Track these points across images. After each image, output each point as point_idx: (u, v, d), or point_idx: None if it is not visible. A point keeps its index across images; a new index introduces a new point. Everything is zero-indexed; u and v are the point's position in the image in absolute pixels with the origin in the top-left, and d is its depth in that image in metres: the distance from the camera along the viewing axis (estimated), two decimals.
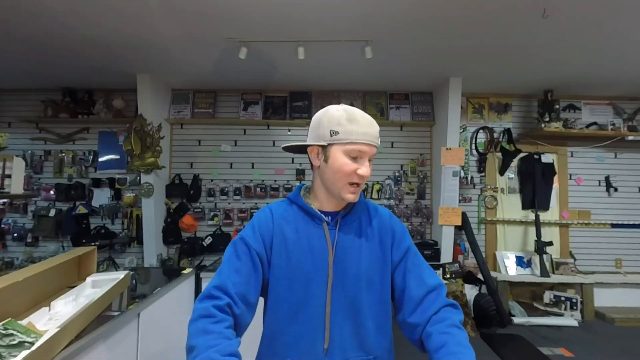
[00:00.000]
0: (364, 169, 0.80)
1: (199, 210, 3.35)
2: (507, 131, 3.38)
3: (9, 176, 1.89)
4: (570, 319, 2.95)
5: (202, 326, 0.71)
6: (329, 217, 0.86)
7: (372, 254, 0.85)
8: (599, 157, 3.46)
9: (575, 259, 3.34)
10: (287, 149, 0.92)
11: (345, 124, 0.82)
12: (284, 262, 0.83)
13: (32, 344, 0.92)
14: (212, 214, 3.34)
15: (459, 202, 3.23)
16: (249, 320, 0.84)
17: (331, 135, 0.81)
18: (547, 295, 3.10)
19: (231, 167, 3.43)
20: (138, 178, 3.22)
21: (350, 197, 0.82)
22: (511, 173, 3.46)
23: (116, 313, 1.38)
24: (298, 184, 3.34)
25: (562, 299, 3.05)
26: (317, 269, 0.82)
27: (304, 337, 0.82)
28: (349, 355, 0.83)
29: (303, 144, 0.86)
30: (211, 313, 0.73)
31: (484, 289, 2.95)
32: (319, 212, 0.86)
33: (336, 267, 0.82)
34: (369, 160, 0.83)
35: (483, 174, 3.45)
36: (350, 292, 0.83)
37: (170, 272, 2.34)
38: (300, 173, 3.40)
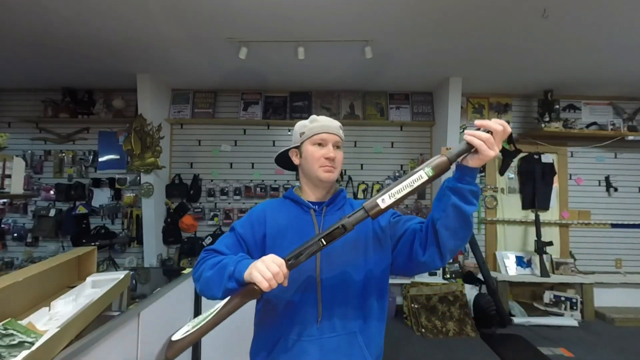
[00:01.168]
0: (329, 152, 0.98)
1: (199, 210, 3.35)
2: None
3: (9, 176, 1.89)
4: (570, 319, 2.95)
5: (210, 262, 0.90)
6: (316, 206, 1.03)
7: (354, 237, 0.97)
8: (599, 157, 3.46)
9: (575, 259, 3.34)
10: (277, 161, 1.13)
11: (308, 124, 1.03)
12: (278, 244, 0.96)
13: (32, 344, 0.92)
14: (212, 214, 3.34)
15: None
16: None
17: (300, 137, 1.03)
18: (547, 295, 3.11)
19: (231, 167, 3.43)
20: (138, 178, 3.22)
21: (324, 175, 0.99)
22: (511, 173, 3.46)
23: (116, 313, 1.38)
24: (298, 184, 3.36)
25: (562, 299, 3.05)
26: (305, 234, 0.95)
27: (298, 308, 0.93)
28: (337, 327, 0.93)
29: (283, 149, 1.08)
30: (211, 255, 0.93)
31: (484, 289, 2.95)
32: (307, 201, 1.03)
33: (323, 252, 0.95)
34: (337, 147, 1.01)
35: (483, 174, 3.45)
36: (337, 269, 0.96)
37: (170, 272, 2.35)
38: None
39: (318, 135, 1.00)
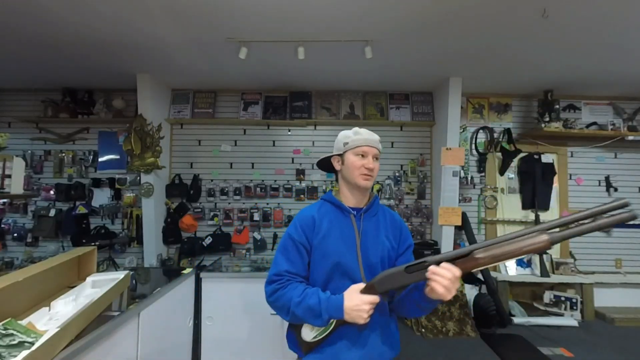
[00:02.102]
0: (369, 163, 1.18)
1: (199, 210, 3.35)
2: (507, 131, 3.38)
3: (9, 176, 1.89)
4: (570, 319, 2.95)
5: (282, 291, 1.10)
6: (355, 211, 1.20)
7: (385, 240, 1.19)
8: (599, 157, 3.47)
9: (575, 259, 3.34)
10: (319, 164, 1.33)
11: (351, 136, 1.21)
12: (323, 244, 1.15)
13: (32, 344, 0.92)
14: (212, 214, 3.34)
15: (459, 202, 3.23)
16: None
17: (344, 146, 1.21)
18: (547, 295, 3.11)
19: (231, 167, 3.43)
20: (138, 178, 3.22)
21: (363, 183, 1.17)
22: (511, 173, 3.46)
23: (116, 313, 1.38)
24: (298, 184, 3.37)
25: (562, 299, 3.05)
26: (348, 247, 1.15)
27: (344, 276, 1.14)
28: (377, 311, 1.11)
29: (328, 155, 1.27)
30: (280, 285, 1.12)
31: (484, 289, 2.95)
32: (347, 207, 1.20)
33: (363, 246, 1.16)
34: (375, 159, 1.21)
35: (483, 174, 3.45)
36: (371, 264, 1.15)
37: (170, 272, 2.35)
38: (300, 173, 3.40)
39: (361, 147, 1.18)
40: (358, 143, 1.18)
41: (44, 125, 3.38)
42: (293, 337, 1.17)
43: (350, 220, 1.18)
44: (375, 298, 1.01)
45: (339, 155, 1.23)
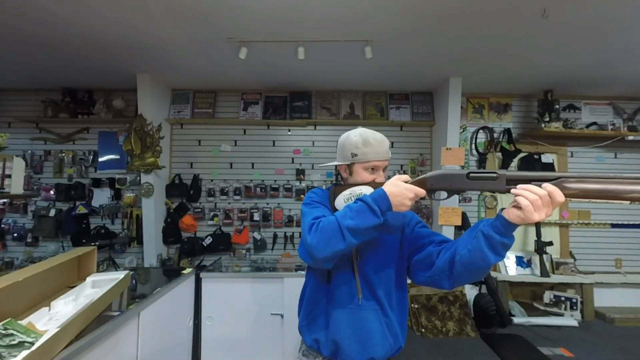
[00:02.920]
0: (380, 177, 1.15)
1: (199, 210, 3.35)
2: (507, 131, 3.38)
3: (9, 176, 1.89)
4: (570, 319, 2.95)
5: (323, 221, 0.98)
6: None
7: (393, 232, 1.18)
8: (599, 157, 3.46)
9: (575, 259, 3.34)
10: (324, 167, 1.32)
11: (361, 147, 1.13)
12: None
13: (32, 344, 0.92)
14: (212, 214, 3.34)
15: (459, 202, 3.23)
16: None
17: (352, 157, 1.14)
18: (547, 295, 3.11)
19: (231, 167, 3.43)
20: (138, 178, 3.22)
21: None
22: None
23: (116, 313, 1.38)
24: (298, 184, 3.37)
25: (562, 299, 3.05)
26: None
27: (342, 288, 1.14)
28: (371, 302, 1.13)
29: (334, 164, 1.24)
30: (321, 218, 1.02)
31: (484, 289, 2.95)
32: None
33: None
34: (384, 170, 1.17)
35: None
36: (373, 262, 1.14)
37: (170, 272, 2.35)
38: (300, 173, 3.40)
39: (371, 163, 1.13)
40: (369, 157, 1.12)
41: (44, 125, 3.38)
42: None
43: None
44: (421, 191, 0.94)
45: (347, 164, 1.19)
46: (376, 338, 1.10)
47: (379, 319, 1.12)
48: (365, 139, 1.12)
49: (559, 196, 0.74)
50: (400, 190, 0.93)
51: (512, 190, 0.78)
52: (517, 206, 0.78)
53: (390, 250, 1.17)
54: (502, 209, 0.83)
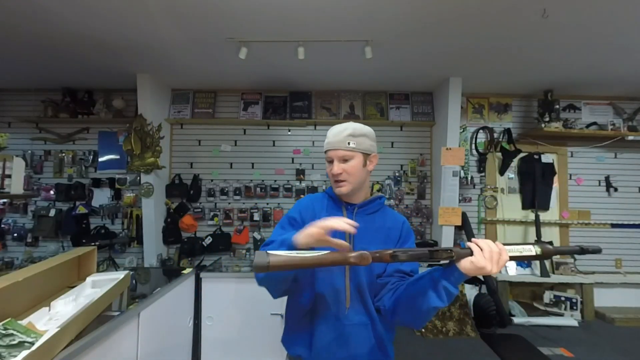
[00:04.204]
0: (335, 168, 1.07)
1: (199, 210, 3.35)
2: (507, 131, 3.38)
3: (9, 176, 1.89)
4: (570, 319, 2.95)
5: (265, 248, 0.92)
6: (349, 206, 1.12)
7: (380, 241, 1.07)
8: (599, 157, 3.46)
9: (575, 259, 3.34)
10: None
11: (325, 140, 1.11)
12: None
13: (32, 344, 0.92)
14: (212, 214, 3.34)
15: (459, 202, 3.23)
16: None
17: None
18: (547, 295, 3.11)
19: (231, 167, 3.43)
20: (138, 178, 3.22)
21: (336, 190, 1.09)
22: (511, 173, 3.46)
23: (116, 313, 1.38)
24: (298, 184, 3.37)
25: (562, 299, 3.05)
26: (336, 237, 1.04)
27: (328, 295, 1.03)
28: (360, 316, 1.04)
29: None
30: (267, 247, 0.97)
31: (484, 289, 2.95)
32: (339, 200, 1.12)
33: (356, 242, 1.06)
34: (345, 161, 1.06)
35: (483, 174, 3.45)
36: (358, 271, 1.04)
37: (170, 272, 2.35)
38: (300, 173, 3.40)
39: (326, 153, 1.09)
40: (324, 148, 1.10)
41: (44, 125, 3.38)
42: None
43: (342, 213, 1.10)
44: (337, 241, 0.85)
45: None
46: (364, 358, 1.02)
47: (368, 335, 1.03)
48: (328, 132, 1.10)
49: (505, 258, 0.80)
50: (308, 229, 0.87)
51: (468, 244, 0.83)
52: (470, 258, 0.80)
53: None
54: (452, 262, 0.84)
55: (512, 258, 0.81)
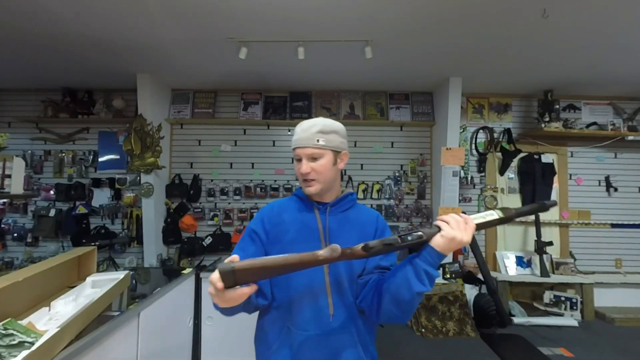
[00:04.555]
0: (302, 167, 0.98)
1: (199, 210, 3.35)
2: (507, 131, 3.38)
3: (9, 176, 1.89)
4: (570, 319, 2.95)
5: None
6: (321, 205, 1.04)
7: (356, 237, 0.98)
8: (599, 157, 3.46)
9: (575, 259, 3.34)
10: None
11: (293, 136, 1.03)
12: (280, 238, 1.00)
13: (32, 344, 0.92)
14: (212, 214, 3.34)
15: (459, 202, 3.23)
16: None
17: None
18: (547, 295, 3.10)
19: (231, 167, 3.43)
20: (138, 178, 3.22)
21: (305, 190, 1.02)
22: (511, 173, 3.46)
23: (116, 313, 1.38)
24: (298, 183, 3.36)
25: (562, 299, 3.05)
26: (310, 242, 0.97)
27: (308, 302, 0.94)
28: (345, 324, 0.95)
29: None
30: None
31: (484, 289, 2.95)
32: (310, 200, 1.04)
33: (329, 242, 0.97)
34: (314, 159, 0.98)
35: (483, 174, 3.45)
36: (338, 267, 0.96)
37: (170, 272, 2.35)
38: None
39: (294, 150, 1.01)
40: (292, 146, 1.01)
41: (44, 125, 3.38)
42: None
43: (314, 214, 1.02)
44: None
45: None
46: None
47: (354, 343, 0.94)
48: (296, 128, 1.02)
49: (472, 225, 0.81)
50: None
51: (435, 223, 0.82)
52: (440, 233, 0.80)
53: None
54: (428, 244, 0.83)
55: (478, 225, 0.83)
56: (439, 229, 0.80)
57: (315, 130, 0.97)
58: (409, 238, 0.79)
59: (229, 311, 0.85)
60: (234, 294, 0.71)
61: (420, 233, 0.79)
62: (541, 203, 0.89)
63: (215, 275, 0.70)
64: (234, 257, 0.74)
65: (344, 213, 1.05)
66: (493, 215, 0.85)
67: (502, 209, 0.86)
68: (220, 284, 0.70)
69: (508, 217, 0.85)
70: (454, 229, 0.78)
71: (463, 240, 0.78)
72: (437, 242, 0.78)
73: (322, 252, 0.74)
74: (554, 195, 3.42)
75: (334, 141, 1.00)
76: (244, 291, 0.72)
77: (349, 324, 0.94)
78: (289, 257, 0.73)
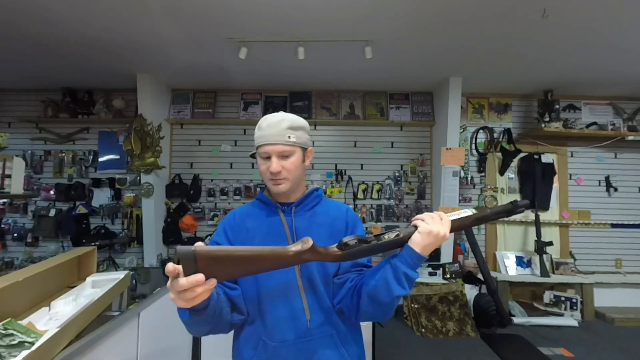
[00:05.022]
0: (273, 166, 0.90)
1: (199, 210, 3.35)
2: (507, 131, 3.38)
3: (9, 176, 1.89)
4: (570, 319, 2.95)
5: None
6: (285, 207, 0.97)
7: (327, 236, 0.95)
8: (599, 157, 3.46)
9: (575, 259, 3.34)
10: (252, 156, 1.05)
11: (256, 131, 0.94)
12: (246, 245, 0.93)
13: (32, 344, 0.92)
14: (212, 214, 3.34)
15: (459, 202, 3.23)
16: (231, 292, 0.89)
17: (254, 143, 0.95)
18: (547, 295, 3.11)
19: (231, 167, 3.43)
20: (138, 178, 3.22)
21: (274, 189, 0.93)
22: (511, 173, 3.46)
23: (116, 313, 1.38)
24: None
25: (562, 299, 3.05)
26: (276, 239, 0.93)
27: (282, 310, 0.88)
28: (323, 327, 0.90)
29: (252, 153, 1.00)
30: None
31: (484, 289, 2.95)
32: (274, 202, 0.97)
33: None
34: (285, 157, 0.91)
35: (483, 174, 3.45)
36: (308, 265, 0.90)
37: None
38: None
39: (261, 147, 0.91)
40: (258, 142, 0.92)
41: (44, 125, 3.38)
42: None
43: (279, 216, 0.96)
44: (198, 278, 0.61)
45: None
46: None
47: (336, 345, 0.89)
48: (260, 122, 0.93)
49: (447, 219, 0.79)
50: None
51: (412, 222, 0.79)
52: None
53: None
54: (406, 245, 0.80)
55: (453, 222, 0.80)
56: (416, 227, 0.77)
57: (285, 126, 0.90)
58: (386, 237, 0.76)
59: (197, 326, 0.78)
60: (193, 290, 0.60)
61: (396, 232, 0.77)
62: (514, 203, 0.86)
63: (171, 265, 0.61)
64: (198, 243, 0.63)
65: (311, 211, 0.99)
66: (466, 212, 0.82)
67: (477, 208, 0.85)
68: (176, 270, 0.60)
69: (483, 216, 0.83)
70: (429, 223, 0.76)
71: (440, 233, 0.75)
72: (415, 240, 0.76)
73: (293, 246, 0.68)
74: (554, 195, 3.42)
75: (302, 137, 0.94)
76: (206, 286, 0.61)
77: (327, 326, 0.89)
78: (258, 248, 0.67)
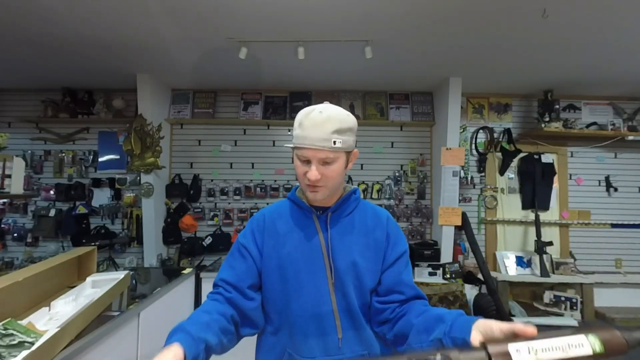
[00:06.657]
0: (310, 173, 0.80)
1: (199, 210, 3.35)
2: (507, 131, 3.38)
3: (9, 176, 1.89)
4: (570, 319, 2.95)
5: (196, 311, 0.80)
6: (320, 211, 0.90)
7: (365, 248, 0.88)
8: (599, 157, 3.46)
9: (575, 259, 3.34)
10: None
11: (296, 127, 0.83)
12: (276, 253, 0.88)
13: (32, 344, 0.92)
14: (212, 214, 3.34)
15: (459, 202, 3.23)
16: (247, 304, 0.86)
17: (293, 138, 0.85)
18: (547, 295, 3.10)
19: (231, 167, 3.43)
20: (138, 178, 3.22)
21: (310, 195, 0.85)
22: (511, 173, 3.46)
23: (116, 313, 1.38)
24: (298, 184, 3.36)
25: (562, 299, 3.05)
26: (310, 257, 0.86)
27: (313, 328, 0.84)
28: (356, 347, 0.85)
29: (288, 145, 0.90)
30: (211, 296, 0.85)
31: (484, 289, 2.95)
32: (308, 205, 0.90)
33: (332, 255, 0.86)
34: (326, 164, 0.81)
35: (483, 174, 3.45)
36: (343, 280, 0.85)
37: (170, 272, 2.35)
38: None
39: (300, 150, 0.81)
40: (299, 142, 0.80)
41: (44, 125, 3.38)
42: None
43: (313, 223, 0.88)
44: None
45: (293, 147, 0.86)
46: None
47: None
48: (303, 118, 0.81)
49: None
50: None
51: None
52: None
53: (373, 263, 0.87)
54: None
55: None
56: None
57: (331, 129, 0.78)
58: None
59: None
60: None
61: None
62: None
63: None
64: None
65: (348, 217, 0.90)
66: (577, 339, 0.46)
67: (598, 330, 0.47)
68: None
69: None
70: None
71: None
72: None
73: None
74: (554, 195, 3.42)
75: (348, 141, 0.82)
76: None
77: (359, 346, 0.84)
78: None
